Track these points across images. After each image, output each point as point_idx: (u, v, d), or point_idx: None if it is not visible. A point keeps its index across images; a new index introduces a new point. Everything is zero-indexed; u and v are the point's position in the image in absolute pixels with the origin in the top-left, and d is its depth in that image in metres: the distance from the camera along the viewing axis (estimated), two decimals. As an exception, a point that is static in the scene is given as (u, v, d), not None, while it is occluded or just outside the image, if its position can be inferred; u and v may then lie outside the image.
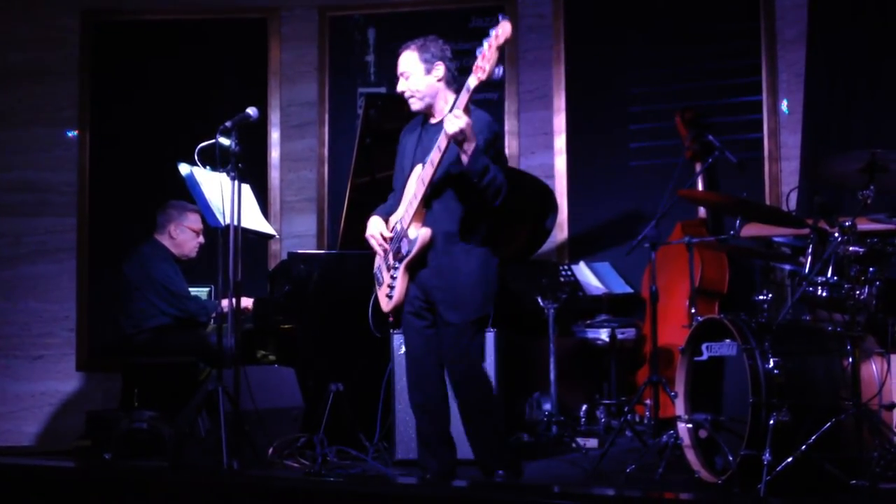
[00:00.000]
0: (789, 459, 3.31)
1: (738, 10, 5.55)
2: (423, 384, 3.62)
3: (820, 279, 3.50)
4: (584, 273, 5.37)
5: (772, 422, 3.35)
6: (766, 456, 3.30)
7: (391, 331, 4.22)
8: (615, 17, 5.80)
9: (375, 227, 3.64)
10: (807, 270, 3.57)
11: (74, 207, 5.95)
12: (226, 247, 3.97)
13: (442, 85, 3.56)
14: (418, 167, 3.55)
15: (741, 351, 3.48)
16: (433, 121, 3.61)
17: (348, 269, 4.58)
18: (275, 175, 6.02)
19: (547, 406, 4.92)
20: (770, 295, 3.79)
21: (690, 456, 3.71)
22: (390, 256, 3.62)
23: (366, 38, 6.06)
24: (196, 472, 3.85)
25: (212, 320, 4.68)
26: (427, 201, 3.50)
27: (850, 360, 3.48)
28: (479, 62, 3.24)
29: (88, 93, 6.02)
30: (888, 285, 3.45)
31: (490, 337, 4.34)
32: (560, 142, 5.82)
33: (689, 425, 3.71)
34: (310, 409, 4.42)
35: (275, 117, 6.02)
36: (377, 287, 3.72)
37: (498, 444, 3.60)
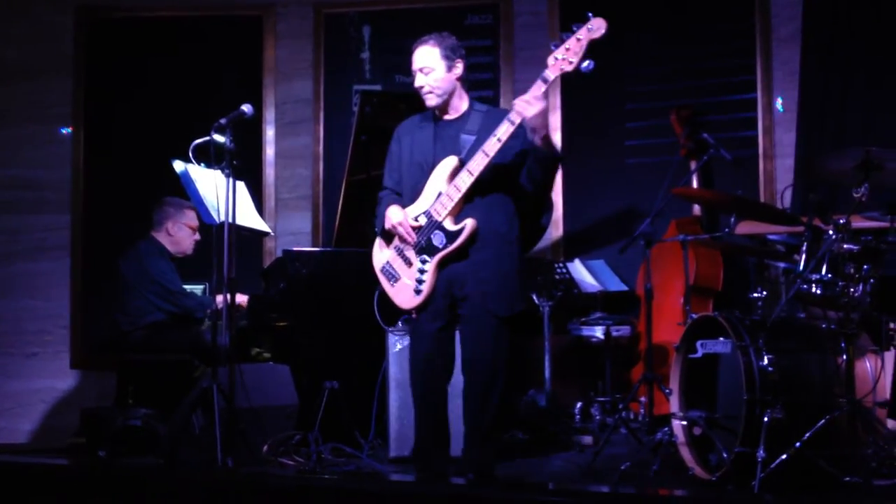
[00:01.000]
0: (783, 456, 3.32)
1: (734, 8, 5.55)
2: (431, 385, 3.59)
3: (814, 277, 3.50)
4: (579, 271, 5.37)
5: (766, 419, 3.36)
6: (761, 453, 3.31)
7: (387, 328, 4.21)
8: (610, 15, 5.70)
9: (400, 215, 3.53)
10: (801, 268, 3.57)
11: (69, 205, 5.94)
12: (220, 244, 3.96)
13: (459, 82, 3.55)
14: (450, 160, 3.47)
15: (735, 348, 3.49)
16: (448, 117, 3.58)
17: (343, 267, 4.57)
18: (270, 172, 6.01)
19: (542, 403, 4.92)
20: (764, 292, 3.80)
21: (685, 453, 3.71)
22: (410, 251, 3.53)
23: (361, 36, 6.05)
24: (190, 469, 3.85)
25: (207, 316, 4.67)
26: (469, 195, 3.44)
27: (845, 357, 3.49)
28: (561, 55, 3.25)
29: (83, 90, 6.01)
30: (882, 283, 3.46)
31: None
32: (556, 139, 5.81)
33: (684, 422, 3.72)
34: (304, 407, 4.41)
35: (270, 114, 6.01)
36: (388, 283, 3.62)
37: (488, 447, 3.59)
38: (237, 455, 3.81)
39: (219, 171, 4.03)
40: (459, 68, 3.52)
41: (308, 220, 5.98)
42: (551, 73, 3.26)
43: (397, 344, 4.24)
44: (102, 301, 5.44)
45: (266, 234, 4.93)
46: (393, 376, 4.23)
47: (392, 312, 3.93)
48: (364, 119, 4.71)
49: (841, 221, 3.51)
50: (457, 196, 3.42)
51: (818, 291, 3.50)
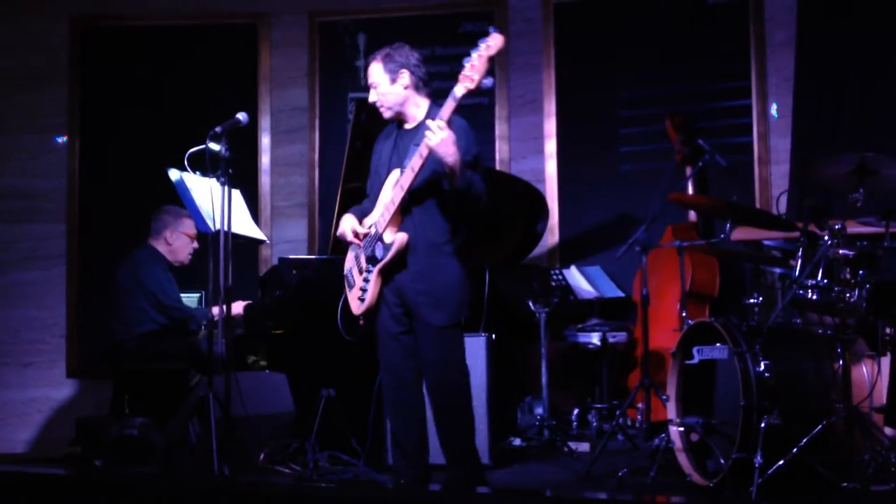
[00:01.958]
0: (781, 462, 3.32)
1: (728, 14, 5.57)
2: (401, 390, 3.62)
3: (810, 282, 3.51)
4: (576, 277, 5.37)
5: (763, 425, 3.36)
6: (758, 459, 3.31)
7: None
8: (604, 22, 5.81)
9: (348, 224, 3.65)
10: (797, 273, 3.57)
11: (64, 214, 5.93)
12: (216, 252, 3.95)
13: (410, 91, 3.59)
14: (395, 172, 3.56)
15: (732, 354, 3.49)
16: (407, 126, 3.64)
17: (339, 275, 4.55)
18: (265, 180, 6.01)
19: (539, 410, 4.92)
20: (761, 298, 3.80)
21: (682, 459, 3.71)
22: (362, 259, 3.62)
23: (356, 43, 6.06)
24: (187, 478, 3.84)
25: (202, 327, 4.66)
26: (406, 206, 3.51)
27: (841, 362, 3.49)
28: (466, 72, 3.28)
29: (78, 99, 6.00)
30: (878, 288, 3.46)
31: (481, 341, 4.35)
32: (550, 146, 5.83)
33: (681, 429, 3.72)
34: (301, 415, 4.40)
35: (265, 122, 6.01)
36: (347, 289, 3.71)
37: (462, 449, 3.59)
38: (234, 464, 3.80)
39: (214, 180, 4.03)
40: (405, 79, 3.57)
41: (304, 228, 5.98)
42: (458, 90, 3.31)
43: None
44: (98, 310, 5.42)
45: (262, 242, 4.92)
46: (389, 384, 4.22)
47: (353, 319, 3.90)
48: (359, 126, 4.70)
49: (836, 227, 3.52)
50: (392, 208, 3.50)
51: (814, 297, 3.51)
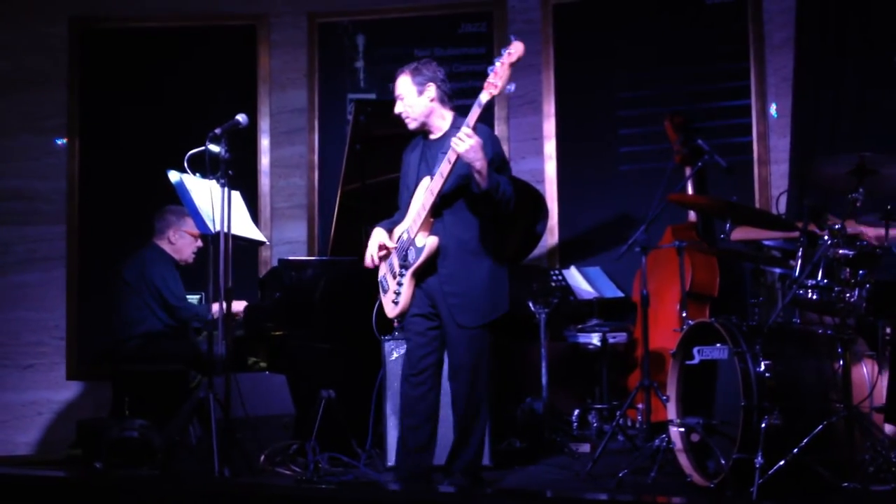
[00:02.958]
0: (781, 462, 3.32)
1: (727, 14, 5.57)
2: (417, 386, 3.68)
3: (810, 282, 3.51)
4: (575, 278, 5.37)
5: (763, 425, 3.36)
6: (758, 459, 3.31)
7: (382, 337, 4.23)
8: (604, 23, 5.81)
9: (375, 238, 3.79)
10: (797, 273, 3.57)
11: (63, 216, 5.93)
12: (216, 254, 3.96)
13: (435, 104, 3.73)
14: (426, 180, 3.69)
15: (732, 354, 3.50)
16: (433, 136, 3.78)
17: (339, 276, 4.57)
18: (265, 182, 6.01)
19: (539, 411, 4.91)
20: (761, 298, 3.82)
21: (682, 460, 3.71)
22: (396, 264, 3.73)
23: (355, 45, 6.06)
24: (187, 479, 3.84)
25: (204, 327, 4.66)
26: (437, 211, 3.65)
27: (841, 362, 3.49)
28: (491, 79, 3.43)
29: (77, 100, 6.00)
30: (878, 288, 3.46)
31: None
32: (550, 147, 5.83)
33: (682, 429, 3.72)
34: (301, 416, 4.40)
35: (265, 124, 6.01)
36: (382, 294, 3.82)
37: (476, 454, 3.71)
38: (234, 465, 3.80)
39: (214, 181, 4.03)
40: (432, 92, 3.71)
41: (303, 230, 5.98)
42: (483, 97, 3.46)
43: (394, 352, 4.24)
44: (98, 312, 5.42)
45: (262, 243, 4.91)
46: (390, 385, 4.23)
47: (387, 322, 4.05)
48: (359, 128, 4.70)
49: (836, 227, 3.52)
50: (424, 214, 3.63)
51: (814, 297, 3.51)
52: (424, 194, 3.65)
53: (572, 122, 5.82)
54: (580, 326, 5.13)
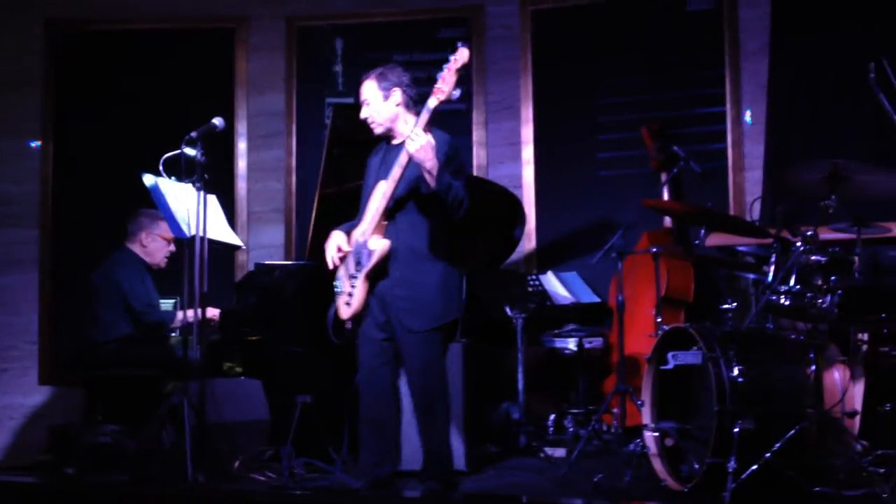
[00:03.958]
0: (754, 467, 3.34)
1: (704, 21, 5.61)
2: (378, 396, 3.70)
3: (783, 288, 3.54)
4: (552, 283, 5.38)
5: (736, 430, 3.38)
6: (731, 464, 3.33)
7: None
8: (582, 29, 5.84)
9: (333, 241, 3.79)
10: (770, 279, 3.60)
11: (37, 219, 5.88)
12: (192, 258, 3.93)
13: (400, 109, 3.74)
14: (381, 183, 3.69)
15: (706, 359, 3.51)
16: (395, 141, 3.78)
17: (316, 280, 4.54)
18: (242, 185, 5.99)
19: (515, 415, 4.92)
20: (735, 304, 3.83)
21: (657, 464, 3.73)
22: (351, 266, 3.73)
23: (334, 49, 6.05)
24: (159, 485, 3.81)
25: (176, 331, 4.63)
26: (390, 214, 3.66)
27: (813, 367, 3.52)
28: (438, 84, 3.48)
29: (53, 103, 5.95)
30: (850, 294, 3.49)
31: (458, 347, 4.35)
32: (528, 152, 5.84)
33: (656, 434, 3.74)
34: (277, 422, 4.38)
35: (242, 127, 5.99)
36: (336, 296, 3.81)
37: (443, 458, 3.71)
38: (208, 471, 3.77)
39: (190, 185, 4.01)
40: (397, 97, 3.72)
41: (281, 234, 5.96)
42: (431, 102, 3.51)
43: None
44: (71, 316, 5.37)
45: (238, 247, 4.90)
46: (366, 390, 4.21)
47: (342, 324, 3.98)
48: (337, 132, 4.70)
49: (809, 233, 3.55)
50: (377, 217, 3.65)
51: (787, 302, 3.53)
52: (379, 198, 3.66)
53: (550, 128, 5.83)
54: (557, 331, 5.15)
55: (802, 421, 3.43)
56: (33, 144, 5.93)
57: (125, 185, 5.03)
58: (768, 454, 3.36)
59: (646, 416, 3.82)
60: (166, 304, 4.99)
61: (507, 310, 4.91)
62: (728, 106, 5.49)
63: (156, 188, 4.31)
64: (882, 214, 3.76)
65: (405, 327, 3.62)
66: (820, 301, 3.49)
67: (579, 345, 5.02)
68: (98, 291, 4.67)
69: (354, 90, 5.88)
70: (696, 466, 3.49)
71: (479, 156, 5.87)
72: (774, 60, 5.34)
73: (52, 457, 4.53)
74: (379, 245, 3.63)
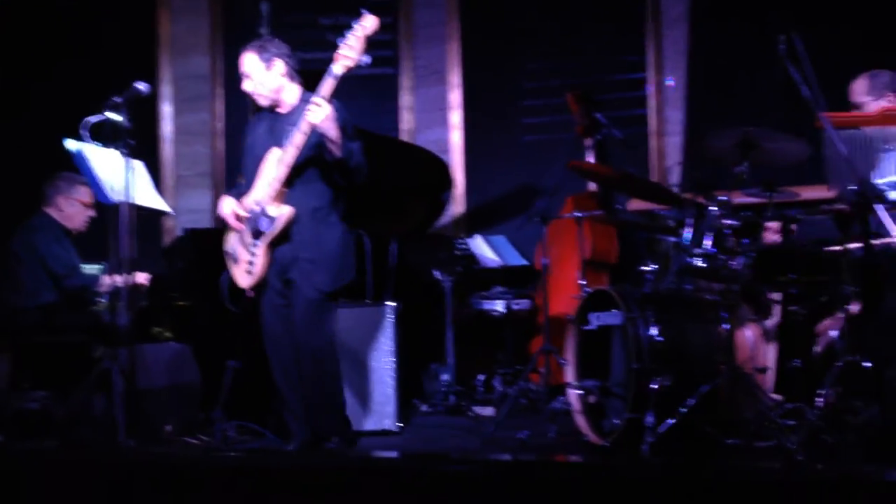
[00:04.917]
0: (670, 422, 3.49)
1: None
2: (284, 362, 3.77)
3: (698, 251, 3.68)
4: (480, 246, 5.47)
5: (654, 386, 3.53)
6: (649, 419, 3.47)
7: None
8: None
9: (229, 207, 3.78)
10: (686, 242, 3.74)
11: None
12: (118, 223, 3.90)
13: (285, 79, 3.76)
14: (275, 151, 3.70)
15: (625, 320, 3.65)
16: (281, 110, 3.81)
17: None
18: (168, 149, 5.92)
19: (445, 376, 5.02)
20: (655, 266, 3.95)
21: (580, 421, 3.86)
22: (247, 235, 3.74)
23: (259, 11, 5.96)
24: (89, 450, 3.80)
25: (105, 296, 4.59)
26: (289, 181, 3.67)
27: (726, 326, 3.67)
28: (342, 51, 3.51)
29: (-32, 68, 5.78)
30: (761, 256, 3.64)
31: (389, 310, 4.42)
32: (455, 117, 5.89)
33: (579, 391, 3.86)
34: (208, 386, 4.40)
35: (167, 90, 5.91)
36: (232, 264, 3.83)
37: (337, 414, 3.77)
38: (140, 436, 3.78)
39: (115, 150, 3.96)
40: (280, 67, 3.75)
41: (208, 198, 5.91)
42: (337, 69, 3.54)
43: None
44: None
45: (165, 213, 4.86)
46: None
47: (239, 292, 4.00)
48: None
49: (723, 198, 3.69)
50: (277, 184, 3.67)
51: (702, 264, 3.67)
52: (277, 165, 3.66)
53: (477, 93, 5.89)
54: (485, 294, 5.24)
55: (716, 378, 3.59)
56: (-51, 110, 5.76)
57: (46, 152, 4.92)
58: (684, 409, 3.51)
59: (569, 375, 3.94)
60: (93, 269, 4.93)
61: (436, 273, 4.97)
62: (650, 72, 5.61)
63: (79, 154, 4.24)
64: (792, 180, 3.91)
65: (302, 289, 3.66)
66: (732, 263, 3.63)
67: (507, 307, 5.12)
68: (18, 258, 4.58)
69: (281, 53, 5.91)
70: (616, 422, 3.63)
71: (406, 120, 5.90)
72: (694, 27, 5.45)
73: (-24, 425, 4.46)
74: (282, 212, 3.65)
